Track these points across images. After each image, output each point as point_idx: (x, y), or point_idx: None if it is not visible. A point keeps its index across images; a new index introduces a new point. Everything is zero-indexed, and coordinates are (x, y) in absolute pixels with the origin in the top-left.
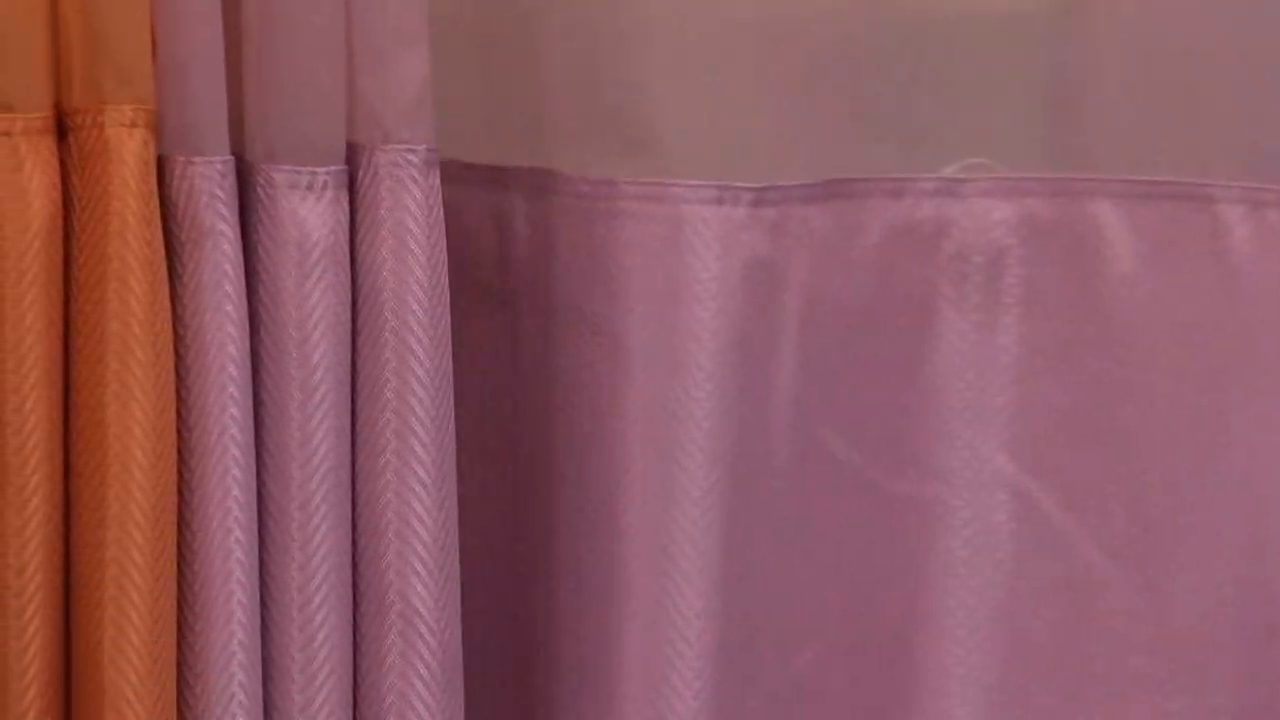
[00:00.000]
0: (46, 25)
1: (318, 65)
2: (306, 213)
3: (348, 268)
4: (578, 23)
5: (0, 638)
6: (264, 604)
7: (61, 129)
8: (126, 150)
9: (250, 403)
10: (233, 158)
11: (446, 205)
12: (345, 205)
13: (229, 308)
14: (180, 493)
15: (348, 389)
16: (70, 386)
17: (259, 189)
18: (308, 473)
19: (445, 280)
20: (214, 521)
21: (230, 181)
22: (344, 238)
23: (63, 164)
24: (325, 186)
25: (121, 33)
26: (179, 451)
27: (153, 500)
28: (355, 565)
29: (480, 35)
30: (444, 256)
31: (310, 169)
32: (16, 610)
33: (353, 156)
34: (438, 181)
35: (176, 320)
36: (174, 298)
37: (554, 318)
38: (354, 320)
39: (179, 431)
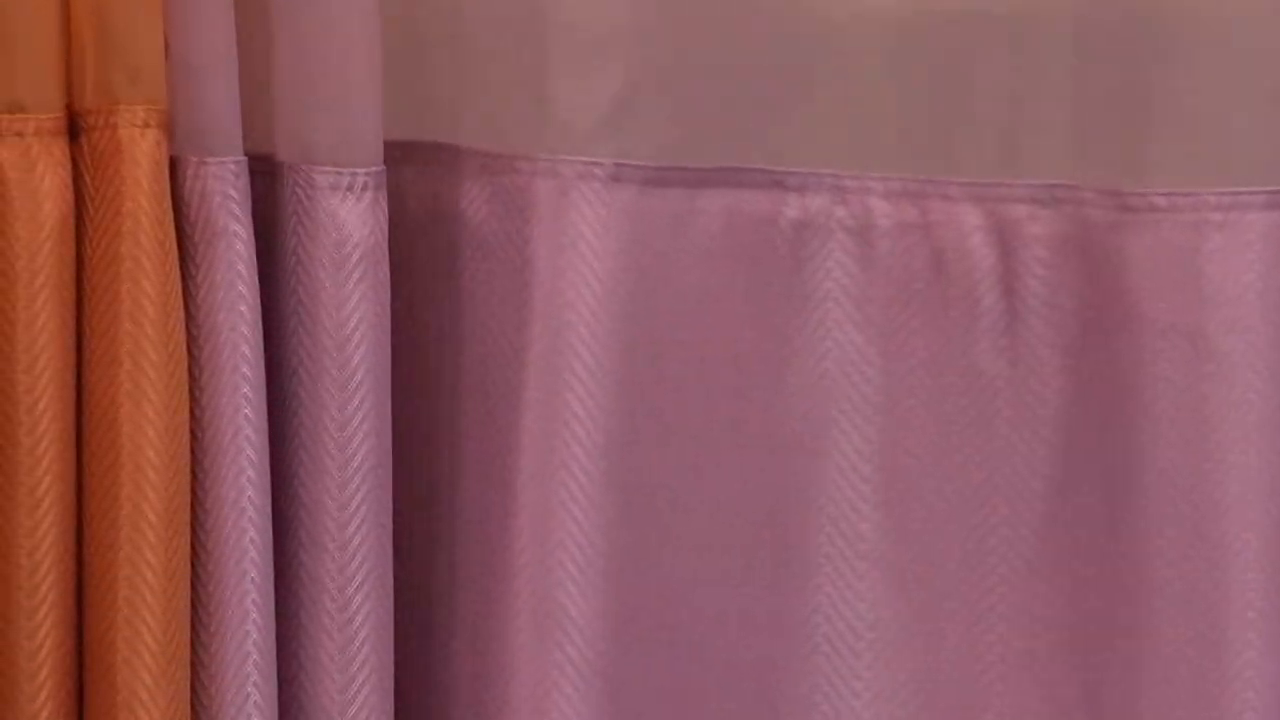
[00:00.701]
0: (58, 26)
1: (358, 64)
2: (346, 214)
3: (387, 269)
4: None
5: (13, 638)
6: (302, 604)
7: (74, 129)
8: (139, 151)
9: (264, 403)
10: (245, 158)
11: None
12: (384, 206)
13: (242, 308)
14: (194, 493)
15: (388, 390)
16: (83, 387)
17: (297, 189)
18: (346, 474)
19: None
20: (228, 522)
21: (244, 182)
22: (383, 239)
23: (75, 164)
24: (365, 188)
25: (134, 33)
26: (192, 452)
27: (166, 500)
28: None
29: None
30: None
31: (351, 170)
32: (29, 610)
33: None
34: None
35: (190, 320)
36: (187, 298)
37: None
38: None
39: (192, 432)
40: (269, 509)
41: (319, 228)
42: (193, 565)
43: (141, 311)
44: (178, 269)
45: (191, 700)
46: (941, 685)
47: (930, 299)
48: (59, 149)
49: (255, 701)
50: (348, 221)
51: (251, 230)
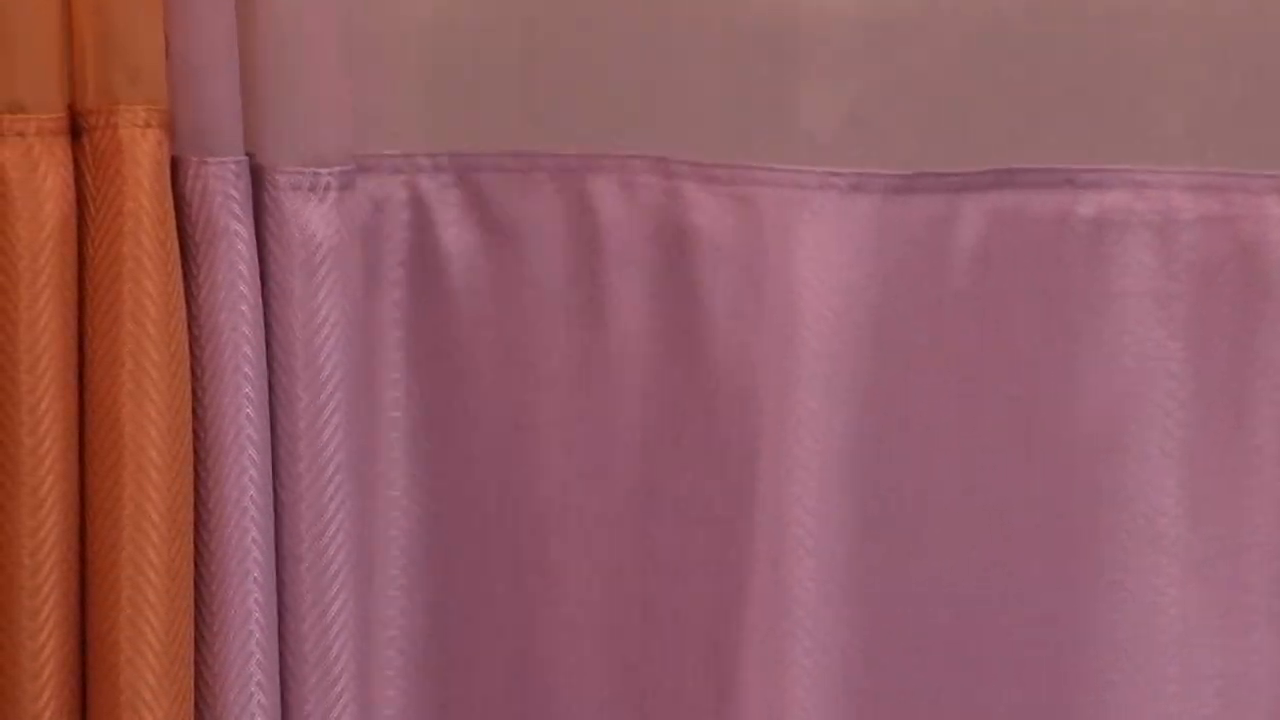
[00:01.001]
0: (59, 26)
1: (320, 69)
2: (310, 214)
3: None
4: None
5: (15, 638)
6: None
7: (75, 129)
8: (140, 151)
9: (266, 403)
10: (246, 158)
11: None
12: (352, 206)
13: (244, 307)
14: (196, 492)
15: (364, 388)
16: (85, 387)
17: (266, 191)
18: (316, 471)
19: None
20: (231, 521)
21: (245, 182)
22: (349, 238)
23: (76, 164)
24: (329, 188)
25: (134, 33)
26: (195, 451)
27: (168, 500)
28: None
29: None
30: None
31: (313, 170)
32: (31, 611)
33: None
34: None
35: (191, 320)
36: (189, 298)
37: None
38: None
39: (195, 431)
40: (271, 508)
41: (282, 227)
42: (195, 565)
43: (143, 311)
44: (179, 269)
45: (195, 700)
46: (1250, 681)
47: (1235, 293)
48: (60, 149)
49: (259, 701)
50: (311, 221)
51: (253, 230)
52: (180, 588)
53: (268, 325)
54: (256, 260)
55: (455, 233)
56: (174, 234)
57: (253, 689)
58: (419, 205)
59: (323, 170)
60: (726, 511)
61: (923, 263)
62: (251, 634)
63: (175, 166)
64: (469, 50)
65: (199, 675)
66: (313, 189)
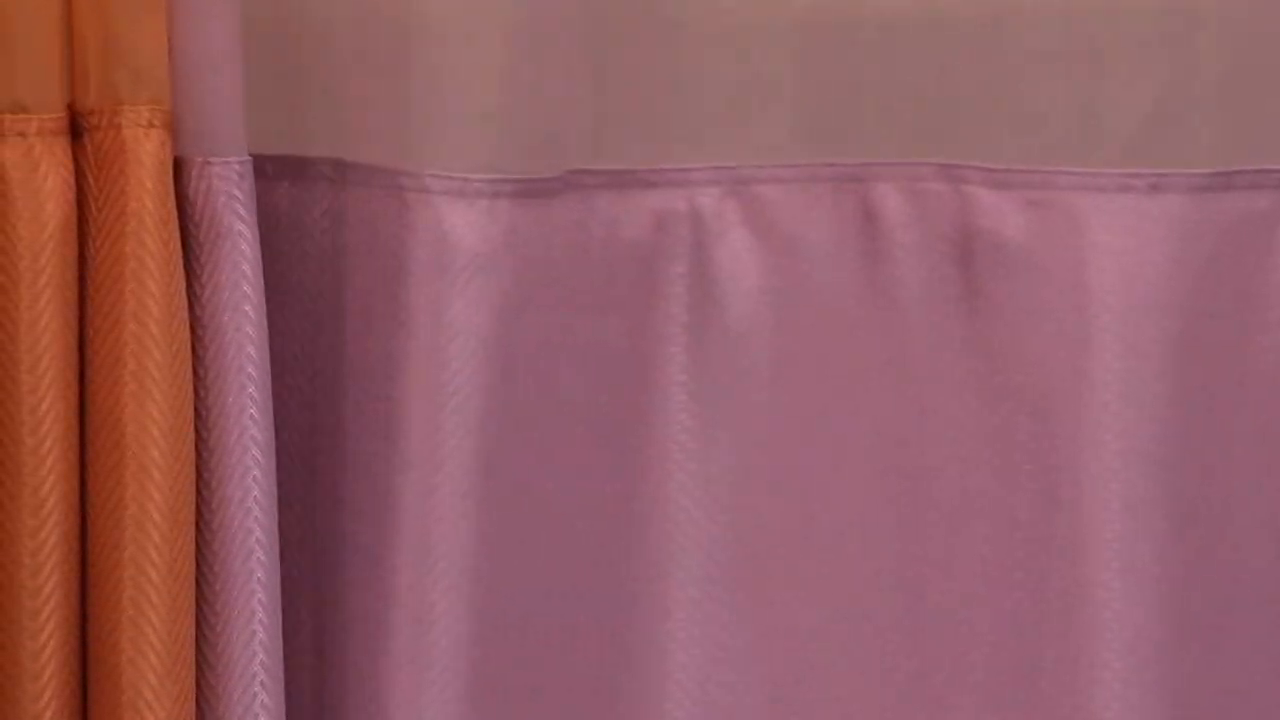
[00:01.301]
0: (60, 26)
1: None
2: (456, 220)
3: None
4: None
5: (16, 638)
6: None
7: (76, 129)
8: (143, 151)
9: (270, 402)
10: (249, 158)
11: None
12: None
13: (247, 308)
14: (199, 492)
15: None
16: (86, 387)
17: (413, 194)
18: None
19: None
20: (233, 521)
21: (249, 183)
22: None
23: (77, 164)
24: (479, 194)
25: (137, 34)
26: (198, 451)
27: (170, 500)
28: None
29: None
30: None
31: (463, 176)
32: (32, 611)
33: None
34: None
35: (194, 320)
36: (192, 298)
37: None
38: None
39: (198, 431)
40: (275, 508)
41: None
42: (198, 565)
43: (145, 311)
44: (182, 269)
45: (197, 700)
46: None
47: None
48: (61, 149)
49: (262, 701)
50: (457, 227)
51: (256, 230)
52: (182, 588)
53: (402, 330)
54: (260, 260)
55: (734, 245)
56: (177, 234)
57: (256, 689)
58: (697, 219)
59: (474, 176)
60: (1028, 514)
61: (1230, 261)
62: (254, 633)
63: (179, 167)
64: (739, 63)
65: (202, 675)
66: (460, 194)
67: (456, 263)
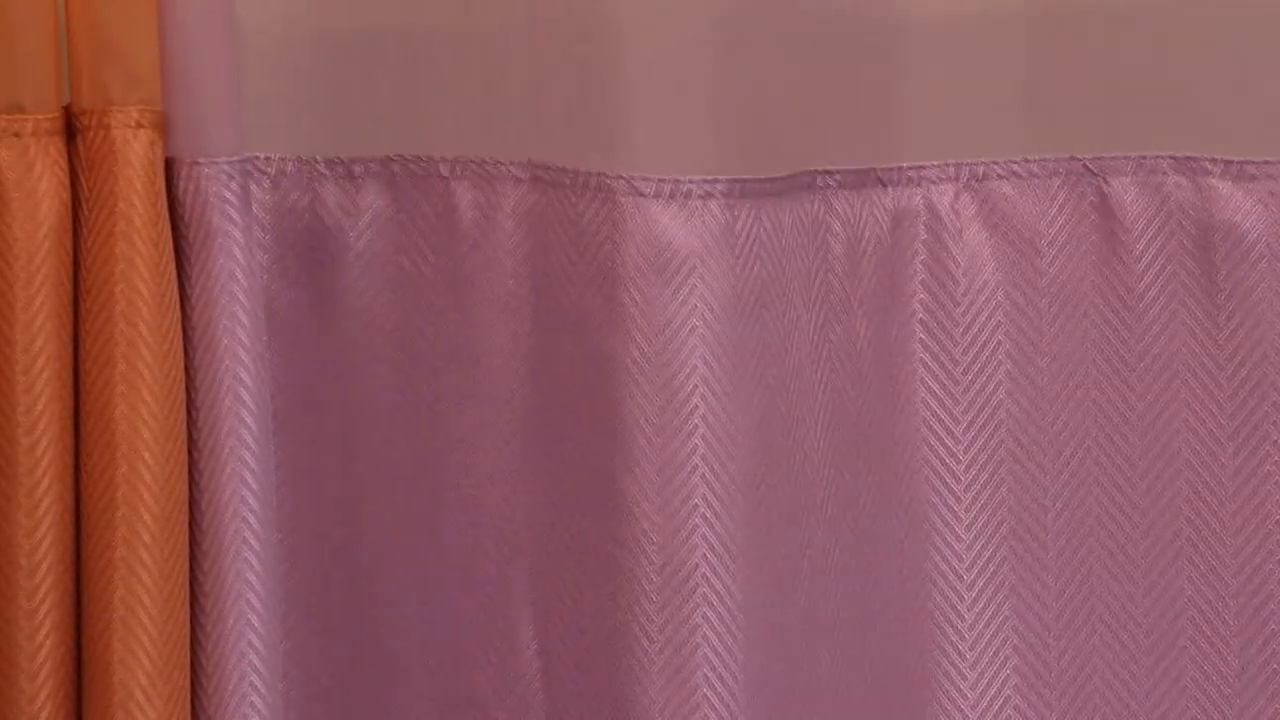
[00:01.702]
0: (54, 26)
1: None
2: (668, 222)
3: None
4: None
5: (13, 638)
6: None
7: (70, 130)
8: (132, 151)
9: (264, 402)
10: (240, 159)
11: None
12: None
13: (238, 309)
14: (191, 492)
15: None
16: (79, 387)
17: (622, 196)
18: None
19: None
20: (225, 522)
21: (238, 183)
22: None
23: (72, 165)
24: (689, 196)
25: (128, 34)
26: (189, 451)
27: (162, 500)
28: None
29: None
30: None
31: (674, 178)
32: (29, 611)
33: None
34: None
35: (185, 320)
36: (182, 298)
37: None
38: None
39: (189, 431)
40: (269, 509)
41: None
42: (191, 565)
43: (136, 312)
44: (173, 269)
45: (190, 700)
46: None
47: None
48: (56, 149)
49: (252, 702)
50: (669, 229)
51: (250, 231)
52: (174, 588)
53: (618, 332)
54: (252, 261)
55: (970, 242)
56: (168, 235)
57: (246, 689)
58: (934, 216)
59: (685, 178)
60: (1276, 509)
61: None
62: (244, 634)
63: (169, 168)
64: (970, 56)
65: (196, 676)
66: (672, 196)
67: (671, 264)
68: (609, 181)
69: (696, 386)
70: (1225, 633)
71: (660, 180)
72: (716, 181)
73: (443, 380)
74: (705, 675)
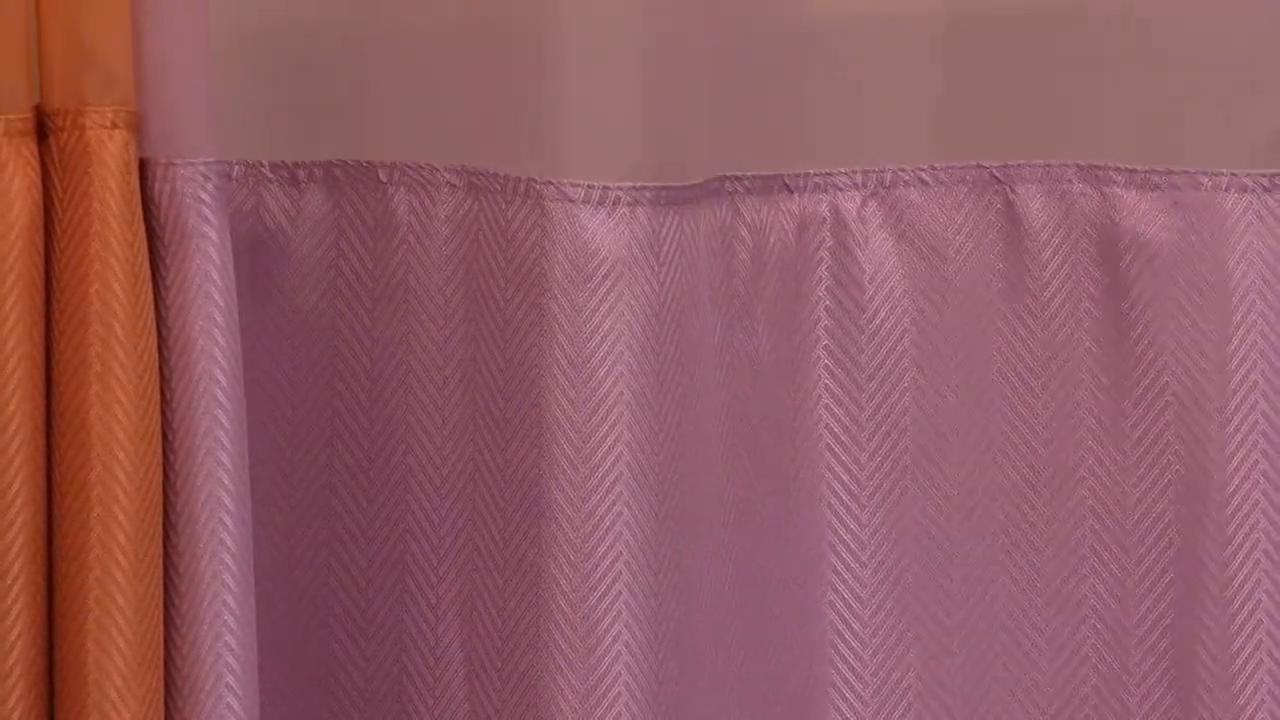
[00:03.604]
0: (26, 26)
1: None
2: (596, 228)
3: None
4: None
5: None
6: None
7: (42, 130)
8: (107, 152)
9: (239, 403)
10: (216, 161)
11: None
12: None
13: (214, 309)
14: (166, 494)
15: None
16: (52, 388)
17: (543, 202)
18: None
19: None
20: (200, 523)
21: (214, 184)
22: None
23: (44, 165)
24: (618, 203)
25: (102, 34)
26: (164, 453)
27: (136, 501)
28: None
29: None
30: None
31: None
32: (1, 613)
33: None
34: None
35: (160, 322)
36: (157, 300)
37: None
38: None
39: (164, 433)
40: (246, 511)
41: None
42: (166, 567)
43: (111, 313)
44: (148, 271)
45: (165, 700)
46: None
47: None
48: (28, 149)
49: (228, 703)
50: (596, 235)
51: (225, 233)
52: (149, 589)
53: (545, 338)
54: (229, 262)
55: (876, 249)
56: (142, 236)
57: (222, 690)
58: (840, 223)
59: (614, 185)
60: (1174, 515)
61: None
62: (220, 634)
63: (144, 168)
64: (878, 64)
65: (171, 676)
66: (600, 202)
67: (599, 271)
68: (538, 187)
69: (622, 394)
70: (1127, 641)
71: (589, 186)
72: (644, 189)
73: (378, 386)
74: (626, 682)
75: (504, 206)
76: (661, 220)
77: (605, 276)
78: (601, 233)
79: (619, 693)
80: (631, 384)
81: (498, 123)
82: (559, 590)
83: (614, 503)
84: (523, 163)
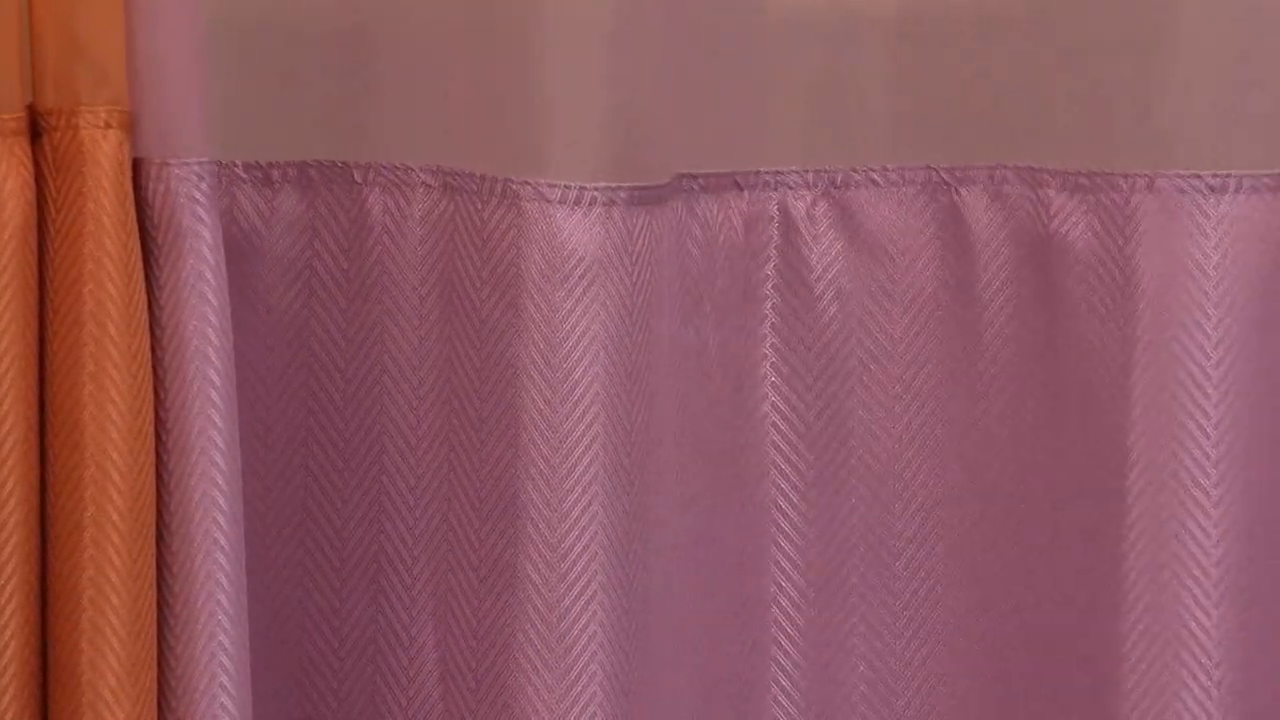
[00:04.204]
0: (19, 26)
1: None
2: (572, 228)
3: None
4: None
5: None
6: None
7: (36, 130)
8: (100, 152)
9: (232, 404)
10: (210, 161)
11: None
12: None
13: (207, 309)
14: (160, 494)
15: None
16: (46, 388)
17: (520, 202)
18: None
19: None
20: (194, 523)
21: (208, 184)
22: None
23: (37, 165)
24: (594, 203)
25: (96, 33)
26: (158, 453)
27: (130, 502)
28: None
29: None
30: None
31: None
32: None
33: None
34: None
35: (154, 322)
36: (151, 299)
37: None
38: None
39: (158, 433)
40: (239, 510)
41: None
42: (159, 566)
43: (104, 313)
44: (141, 270)
45: (159, 701)
46: None
47: None
48: (21, 149)
49: (222, 703)
50: (573, 235)
51: (219, 233)
52: (142, 589)
53: (521, 338)
54: (222, 262)
55: (823, 249)
56: (136, 236)
57: (216, 690)
58: (788, 221)
59: (589, 185)
60: (1096, 515)
61: None
62: (214, 635)
63: (137, 168)
64: (834, 63)
65: (164, 676)
66: (577, 203)
67: (575, 271)
68: (514, 187)
69: (597, 393)
70: (1069, 646)
71: (566, 186)
72: (619, 189)
73: (353, 386)
74: (600, 681)
75: (480, 207)
76: (634, 220)
77: (581, 276)
78: (577, 233)
79: (594, 692)
80: (606, 383)
81: (473, 123)
82: (533, 588)
83: (589, 502)
84: (498, 163)
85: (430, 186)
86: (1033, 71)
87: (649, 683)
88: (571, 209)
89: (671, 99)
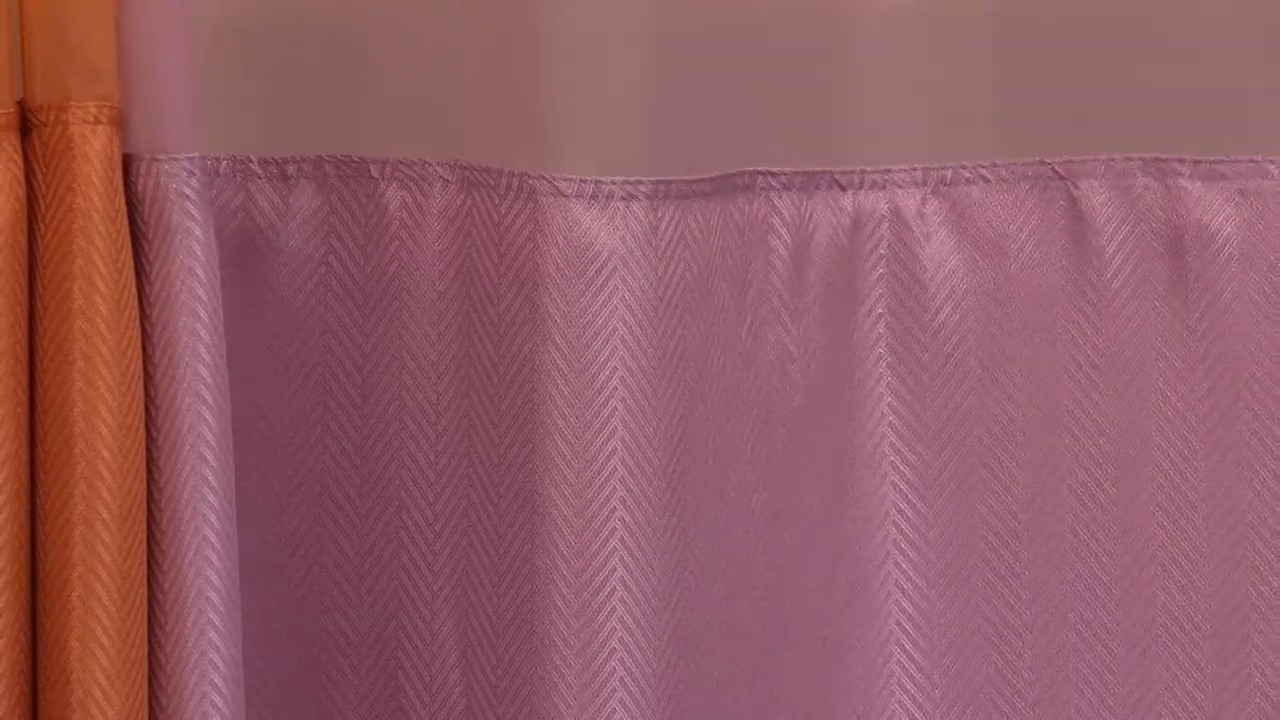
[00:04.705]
0: (8, 21)
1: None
2: (590, 224)
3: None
4: None
5: None
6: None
7: (25, 126)
8: (90, 148)
9: (224, 400)
10: (200, 156)
11: None
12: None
13: (197, 306)
14: (150, 492)
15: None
16: (35, 385)
17: (545, 198)
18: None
19: None
20: (185, 519)
21: (198, 180)
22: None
23: (27, 161)
24: (611, 198)
25: (86, 29)
26: (148, 450)
27: (120, 499)
28: None
29: None
30: None
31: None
32: None
33: None
34: None
35: (144, 319)
36: (141, 296)
37: None
38: None
39: (148, 430)
40: (230, 508)
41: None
42: (149, 563)
43: (94, 309)
44: (131, 266)
45: (149, 699)
46: None
47: None
48: (10, 145)
49: (213, 701)
50: (590, 230)
51: (210, 229)
52: (132, 586)
53: (539, 333)
54: (213, 258)
55: (935, 246)
56: (126, 232)
57: (206, 688)
58: (898, 219)
59: (606, 179)
60: (1251, 503)
61: None
62: (204, 632)
63: (128, 164)
64: (938, 61)
65: (155, 675)
66: (594, 197)
67: (592, 266)
68: (531, 182)
69: (616, 389)
70: (1199, 640)
71: (582, 181)
72: (640, 183)
73: (371, 383)
74: (622, 679)
75: (497, 201)
76: (660, 214)
77: (599, 271)
78: (595, 227)
79: (614, 689)
80: (628, 379)
81: (491, 117)
82: (555, 588)
83: (610, 499)
84: (516, 157)
85: (448, 181)
86: (1148, 60)
87: (696, 688)
88: (589, 203)
89: (729, 94)
